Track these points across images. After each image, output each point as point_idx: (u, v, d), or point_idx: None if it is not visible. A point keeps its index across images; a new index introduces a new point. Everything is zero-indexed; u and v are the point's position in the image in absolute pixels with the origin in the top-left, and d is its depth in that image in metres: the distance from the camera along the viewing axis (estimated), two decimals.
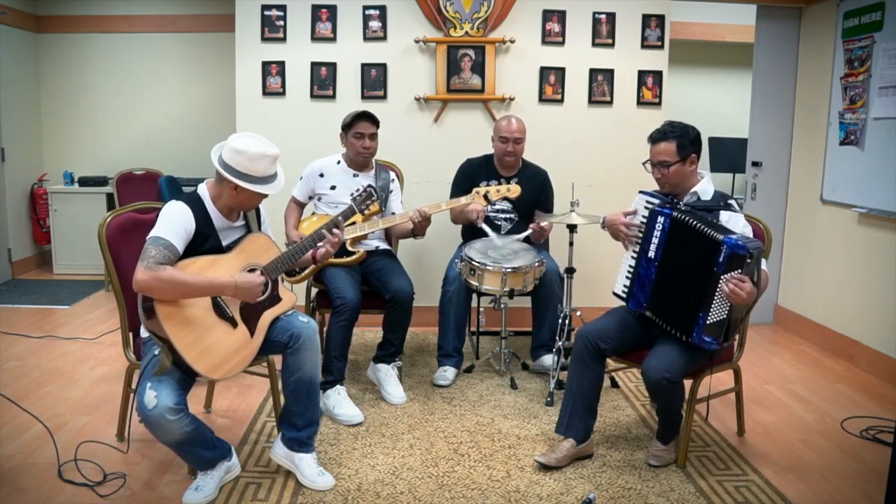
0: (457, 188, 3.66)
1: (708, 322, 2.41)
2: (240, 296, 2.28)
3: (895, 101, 3.56)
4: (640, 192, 2.73)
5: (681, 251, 2.50)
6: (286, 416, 2.48)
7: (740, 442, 2.89)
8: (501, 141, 3.55)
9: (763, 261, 2.46)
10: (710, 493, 2.45)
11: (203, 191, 2.37)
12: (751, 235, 2.51)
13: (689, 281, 2.45)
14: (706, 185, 2.65)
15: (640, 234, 2.65)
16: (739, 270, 2.34)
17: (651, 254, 2.59)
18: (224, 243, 2.37)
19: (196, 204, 2.32)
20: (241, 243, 2.39)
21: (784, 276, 4.59)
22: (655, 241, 2.58)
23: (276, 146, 2.35)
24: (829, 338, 4.12)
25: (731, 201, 2.62)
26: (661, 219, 2.57)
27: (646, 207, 2.65)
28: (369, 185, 2.79)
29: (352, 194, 2.78)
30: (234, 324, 2.30)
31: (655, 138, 2.63)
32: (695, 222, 2.45)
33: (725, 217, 2.55)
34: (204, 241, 2.30)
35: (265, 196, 2.39)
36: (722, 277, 2.35)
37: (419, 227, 3.18)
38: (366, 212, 2.80)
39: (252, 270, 2.36)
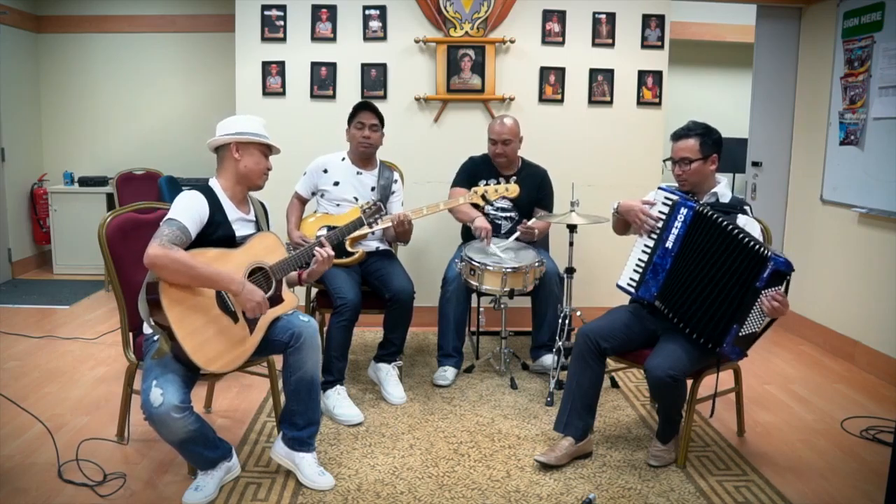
0: (460, 179, 3.67)
1: (741, 334, 2.43)
2: (240, 299, 2.27)
3: (895, 101, 3.56)
4: (659, 187, 2.72)
5: (704, 248, 2.49)
6: (287, 416, 2.48)
7: (740, 442, 2.89)
8: (491, 143, 3.58)
9: None
10: (710, 493, 2.45)
11: (214, 183, 2.43)
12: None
13: (718, 288, 2.44)
14: (724, 189, 2.67)
15: (658, 226, 2.65)
16: (779, 287, 2.37)
17: (669, 244, 2.59)
18: (237, 234, 2.39)
19: (209, 192, 2.37)
20: (250, 240, 2.40)
21: None
22: (676, 231, 2.58)
23: None
24: (829, 338, 4.12)
25: (747, 207, 2.63)
26: (683, 210, 2.57)
27: (664, 203, 2.66)
28: (378, 201, 2.89)
29: (362, 206, 2.85)
30: (235, 318, 2.30)
31: (679, 135, 2.66)
32: (725, 223, 2.45)
33: (742, 221, 2.55)
34: (217, 229, 2.33)
35: (268, 166, 2.46)
36: (764, 292, 2.37)
37: (401, 233, 3.20)
38: (374, 225, 2.85)
39: (259, 269, 2.37)
